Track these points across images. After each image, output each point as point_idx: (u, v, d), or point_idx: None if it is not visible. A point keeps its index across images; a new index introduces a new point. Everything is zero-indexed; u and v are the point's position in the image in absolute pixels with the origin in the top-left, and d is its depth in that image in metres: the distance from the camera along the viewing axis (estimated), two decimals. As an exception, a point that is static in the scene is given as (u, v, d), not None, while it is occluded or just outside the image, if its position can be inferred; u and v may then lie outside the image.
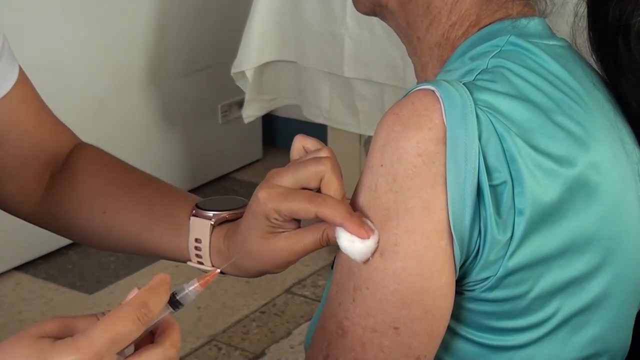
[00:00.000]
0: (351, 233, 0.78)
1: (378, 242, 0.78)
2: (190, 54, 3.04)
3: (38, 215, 1.00)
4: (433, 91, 0.80)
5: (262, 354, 2.29)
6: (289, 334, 2.32)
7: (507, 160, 0.79)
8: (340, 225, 0.79)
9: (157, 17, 2.90)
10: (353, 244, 0.78)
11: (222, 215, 0.88)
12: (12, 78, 0.97)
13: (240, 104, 3.04)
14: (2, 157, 0.97)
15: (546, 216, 0.80)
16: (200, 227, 0.88)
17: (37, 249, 2.68)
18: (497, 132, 0.79)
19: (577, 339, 0.87)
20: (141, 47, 2.88)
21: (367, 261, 0.79)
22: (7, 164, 0.98)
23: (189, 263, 0.90)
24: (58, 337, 0.66)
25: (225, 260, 0.89)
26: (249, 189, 3.19)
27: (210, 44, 3.08)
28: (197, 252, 0.88)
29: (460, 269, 0.80)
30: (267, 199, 0.82)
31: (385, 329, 0.80)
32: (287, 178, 0.83)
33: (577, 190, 0.82)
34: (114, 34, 2.79)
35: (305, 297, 2.50)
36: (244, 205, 0.88)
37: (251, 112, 2.78)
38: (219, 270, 0.72)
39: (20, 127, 0.98)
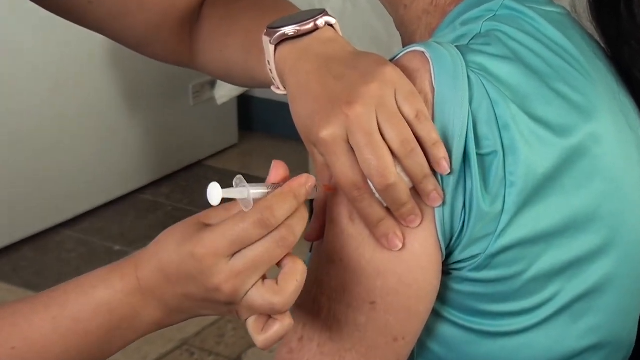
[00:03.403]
0: None
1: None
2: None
3: (197, 67, 1.08)
4: (423, 52, 0.82)
5: (238, 358, 2.30)
6: (267, 337, 2.34)
7: (499, 128, 0.80)
8: None
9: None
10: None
11: (281, 33, 0.85)
12: None
13: (213, 84, 3.05)
14: (140, 22, 1.04)
15: (541, 188, 0.82)
16: (267, 48, 0.87)
17: (-15, 245, 2.64)
18: (489, 97, 0.81)
19: (578, 328, 0.87)
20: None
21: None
22: (144, 29, 1.05)
23: (271, 88, 0.91)
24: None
25: None
26: (224, 177, 3.20)
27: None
28: (272, 75, 0.89)
29: (447, 248, 0.82)
30: None
31: (360, 303, 0.81)
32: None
33: (575, 162, 0.83)
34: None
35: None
36: (313, 17, 0.86)
37: (224, 92, 2.78)
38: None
39: None
